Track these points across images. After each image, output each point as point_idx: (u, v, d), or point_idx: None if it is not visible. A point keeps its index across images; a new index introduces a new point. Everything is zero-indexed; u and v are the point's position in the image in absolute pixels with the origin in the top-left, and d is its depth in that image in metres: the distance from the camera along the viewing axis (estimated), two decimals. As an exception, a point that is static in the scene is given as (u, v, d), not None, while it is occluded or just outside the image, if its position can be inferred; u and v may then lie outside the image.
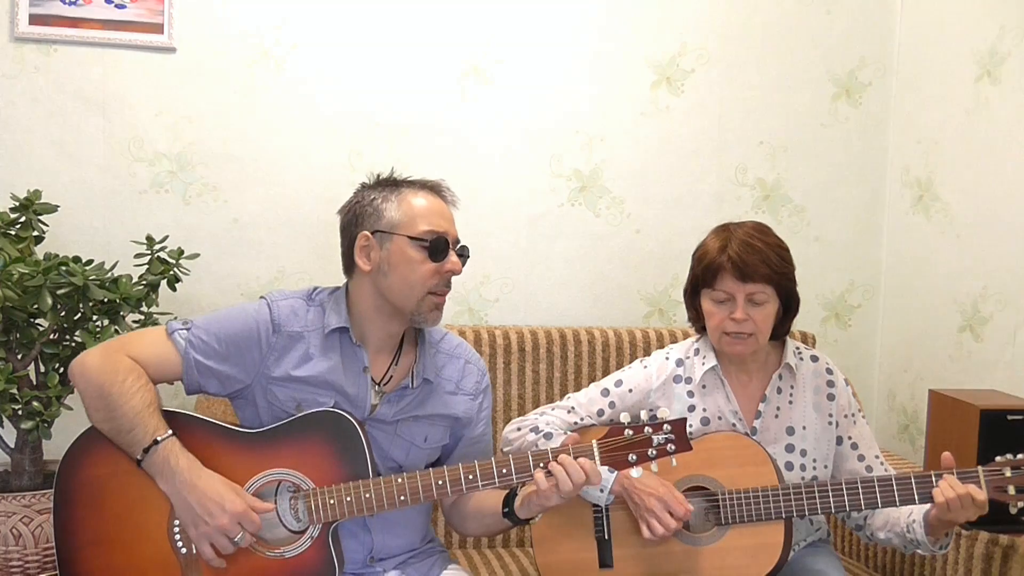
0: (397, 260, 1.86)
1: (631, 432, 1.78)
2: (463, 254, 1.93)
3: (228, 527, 1.74)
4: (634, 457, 1.78)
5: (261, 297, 1.96)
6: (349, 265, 1.93)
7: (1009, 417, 2.23)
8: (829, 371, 2.17)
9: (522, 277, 3.02)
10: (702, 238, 2.15)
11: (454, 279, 1.92)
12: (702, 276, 2.08)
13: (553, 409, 2.19)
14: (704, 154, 3.09)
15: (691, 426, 2.00)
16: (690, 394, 2.14)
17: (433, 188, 1.94)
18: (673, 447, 1.78)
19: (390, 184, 1.93)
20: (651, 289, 3.08)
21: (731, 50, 3.08)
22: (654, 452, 1.78)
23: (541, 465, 1.78)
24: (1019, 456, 1.86)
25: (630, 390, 2.16)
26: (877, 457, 2.12)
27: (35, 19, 2.65)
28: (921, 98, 3.03)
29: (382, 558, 1.93)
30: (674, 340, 2.70)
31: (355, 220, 1.91)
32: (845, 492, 1.95)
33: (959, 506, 1.82)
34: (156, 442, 1.77)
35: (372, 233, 1.88)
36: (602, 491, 2.00)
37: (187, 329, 1.89)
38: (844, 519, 2.15)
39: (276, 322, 1.90)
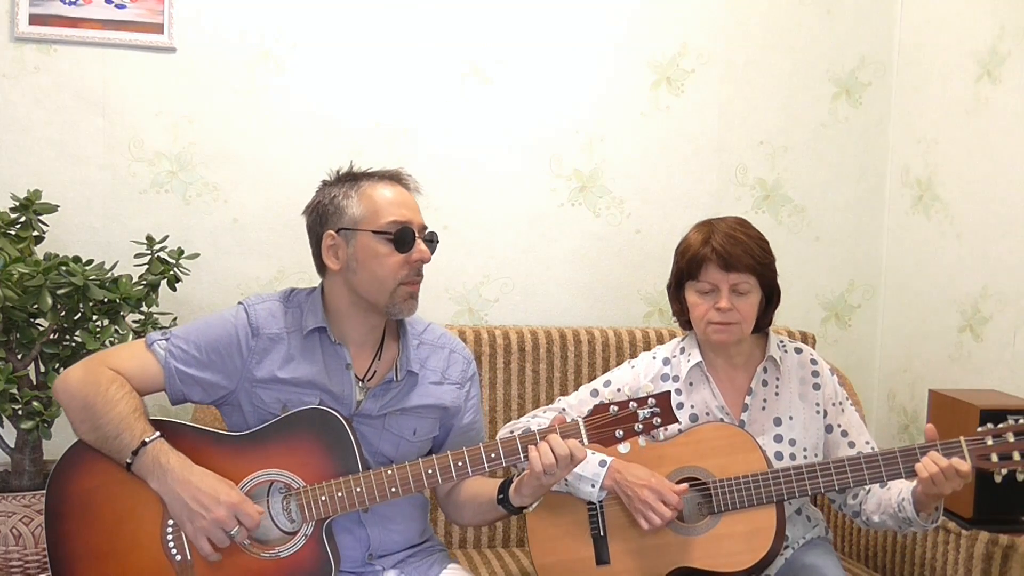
0: (364, 256, 1.86)
1: (616, 408, 1.80)
2: (431, 239, 1.92)
3: (225, 519, 1.74)
4: (621, 433, 1.79)
5: (239, 303, 1.96)
6: (320, 265, 1.94)
7: (1009, 417, 2.23)
8: (814, 362, 2.20)
9: (522, 277, 3.01)
10: None
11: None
12: (687, 268, 2.11)
13: (545, 412, 2.22)
14: (704, 154, 3.09)
15: (679, 423, 2.01)
16: (677, 392, 2.16)
17: (393, 177, 1.93)
18: (659, 420, 1.80)
19: (349, 179, 1.93)
20: (651, 289, 3.08)
21: (731, 50, 3.07)
22: (640, 426, 1.79)
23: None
24: (1000, 425, 1.88)
25: (619, 389, 2.18)
26: (868, 443, 2.15)
27: (35, 19, 2.66)
28: (921, 98, 3.03)
29: (380, 555, 1.93)
30: (674, 340, 2.72)
31: (319, 220, 1.92)
32: (833, 471, 1.97)
33: (943, 479, 1.84)
34: (144, 443, 1.77)
35: (337, 231, 1.88)
36: (593, 487, 2.01)
37: (166, 339, 1.90)
38: (841, 507, 2.16)
39: (254, 326, 1.90)
